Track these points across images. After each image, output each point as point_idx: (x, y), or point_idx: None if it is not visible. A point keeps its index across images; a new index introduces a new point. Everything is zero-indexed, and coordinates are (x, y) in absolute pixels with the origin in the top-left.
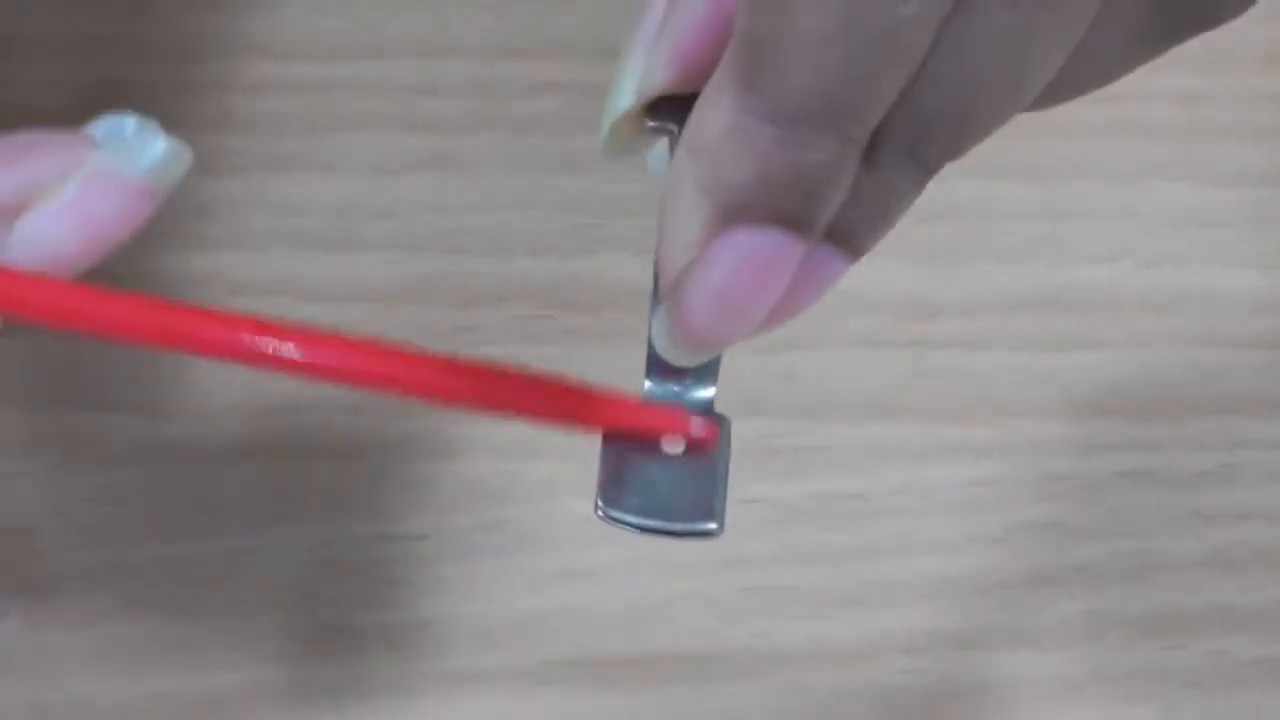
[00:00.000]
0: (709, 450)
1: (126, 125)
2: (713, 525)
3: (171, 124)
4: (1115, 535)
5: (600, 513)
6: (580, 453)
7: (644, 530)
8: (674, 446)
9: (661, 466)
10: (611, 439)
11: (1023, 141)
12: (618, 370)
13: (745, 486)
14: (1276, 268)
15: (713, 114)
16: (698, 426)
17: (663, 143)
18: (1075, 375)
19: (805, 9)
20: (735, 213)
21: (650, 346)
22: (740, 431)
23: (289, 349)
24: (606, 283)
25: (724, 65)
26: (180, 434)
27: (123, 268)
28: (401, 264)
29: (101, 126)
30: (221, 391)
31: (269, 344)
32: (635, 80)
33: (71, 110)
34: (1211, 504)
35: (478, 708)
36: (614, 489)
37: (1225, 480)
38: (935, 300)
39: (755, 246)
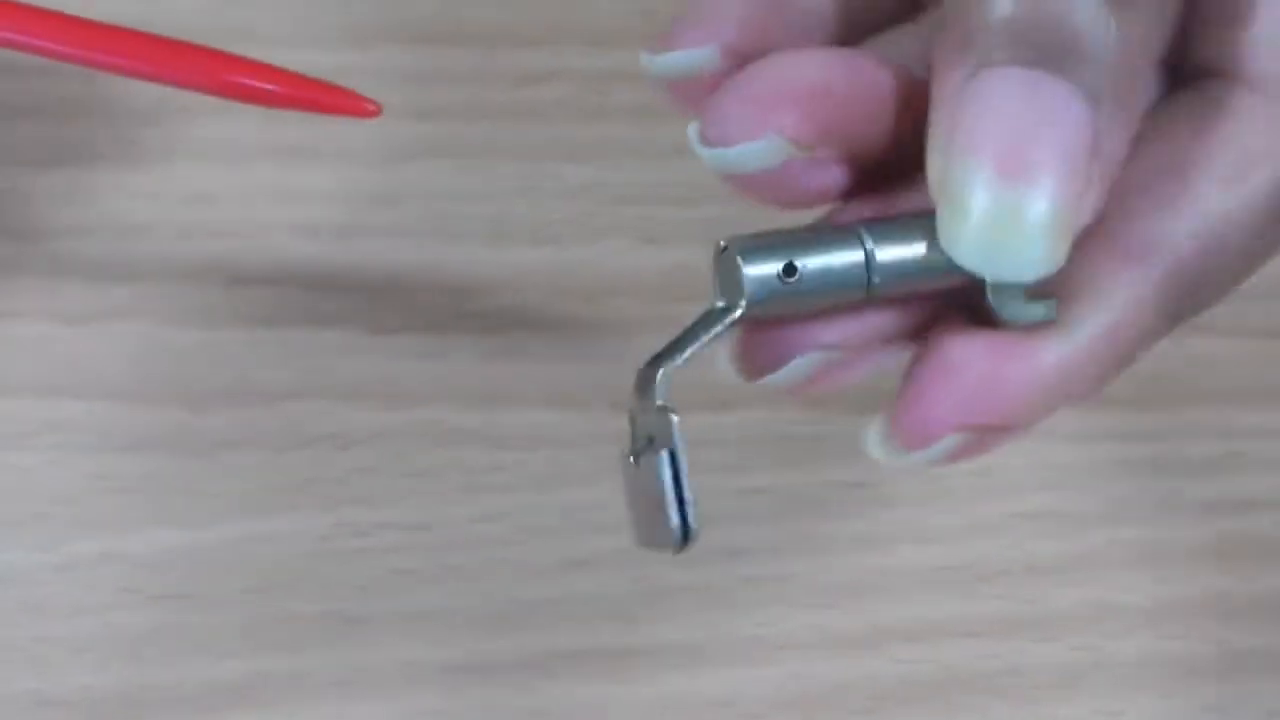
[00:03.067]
0: None
1: None
2: (671, 543)
3: (174, 112)
4: (1115, 524)
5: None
6: (582, 442)
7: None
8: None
9: (632, 482)
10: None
11: None
12: (620, 357)
13: (747, 476)
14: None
15: None
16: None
17: None
18: None
19: None
20: None
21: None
22: (742, 421)
23: None
24: (607, 271)
25: None
26: (180, 422)
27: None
28: (401, 251)
29: None
30: (221, 379)
31: None
32: None
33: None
34: (1212, 493)
35: (480, 698)
36: (631, 518)
37: (1226, 469)
38: None
39: None
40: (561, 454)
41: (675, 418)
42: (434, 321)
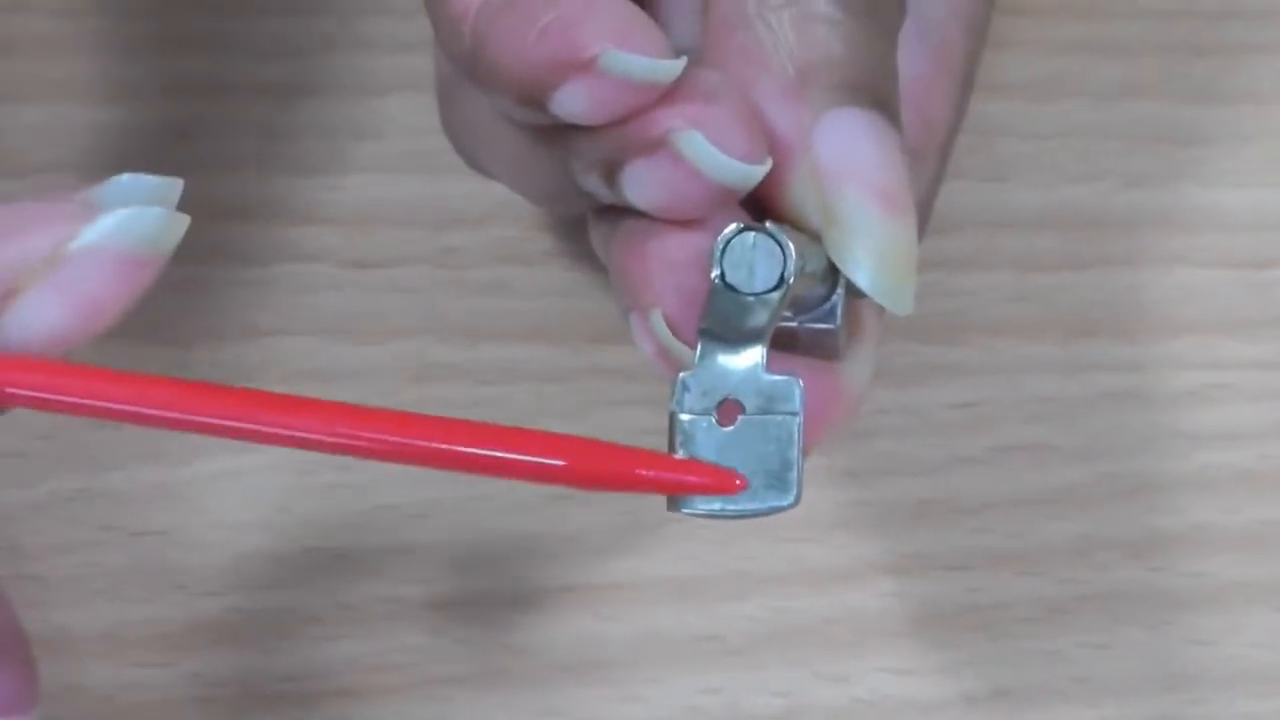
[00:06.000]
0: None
1: (117, 187)
2: (789, 500)
3: (155, 47)
4: (1100, 457)
5: (670, 506)
6: (564, 376)
7: (718, 518)
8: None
9: (728, 438)
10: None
11: (1003, 58)
12: (602, 291)
13: None
14: (1255, 185)
15: None
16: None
17: None
18: (1059, 295)
19: None
20: None
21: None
22: None
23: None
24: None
25: None
26: (163, 358)
27: None
28: (386, 185)
29: (104, 190)
30: (203, 315)
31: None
32: None
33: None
34: (1195, 425)
35: (465, 633)
36: None
37: (1209, 401)
38: None
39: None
40: (544, 388)
41: (801, 383)
42: (415, 256)
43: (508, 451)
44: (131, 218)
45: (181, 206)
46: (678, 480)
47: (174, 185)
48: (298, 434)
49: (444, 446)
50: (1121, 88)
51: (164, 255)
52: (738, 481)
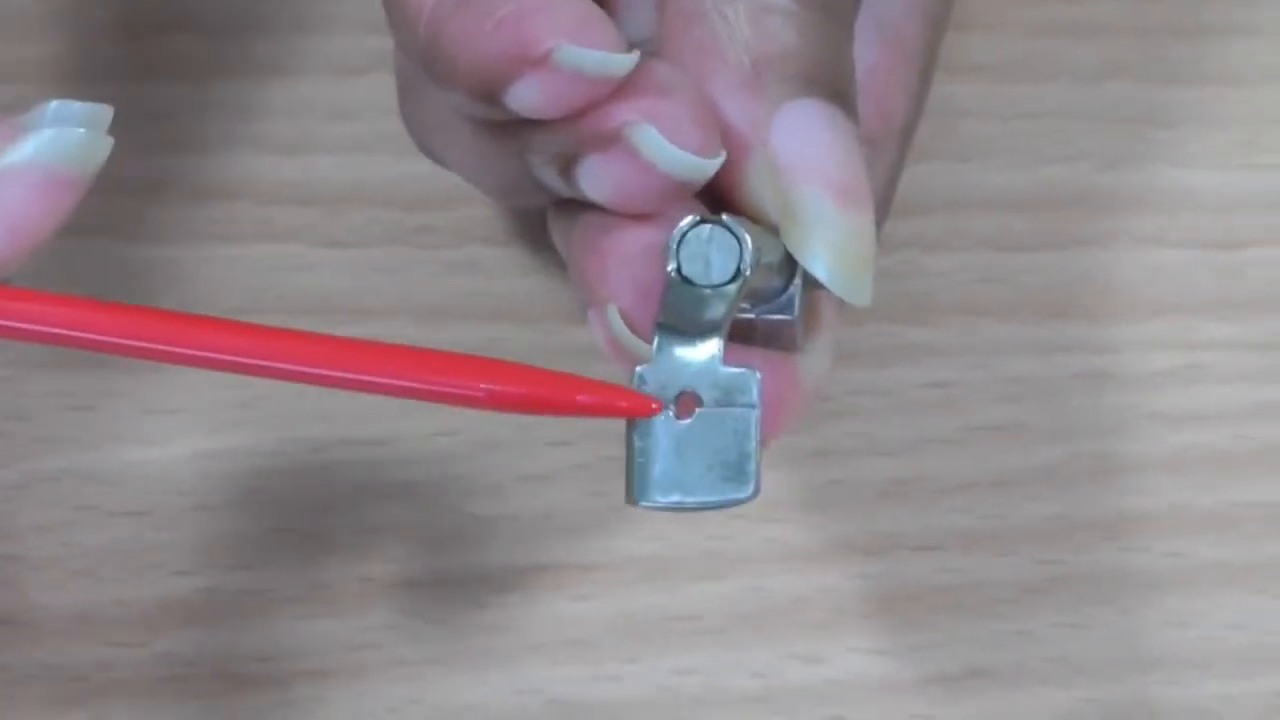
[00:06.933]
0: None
1: (45, 112)
2: (747, 492)
3: (130, 28)
4: (1075, 437)
5: (629, 499)
6: (534, 356)
7: (677, 510)
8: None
9: (686, 431)
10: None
11: (977, 39)
12: None
13: None
14: (1229, 168)
15: None
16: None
17: None
18: (1034, 276)
19: None
20: None
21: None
22: None
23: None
24: None
25: None
26: None
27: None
28: (359, 165)
29: (32, 115)
30: (177, 295)
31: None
32: None
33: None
34: (1171, 406)
35: (438, 613)
36: (641, 469)
37: (1184, 381)
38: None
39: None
40: None
41: (759, 375)
42: (388, 236)
43: (435, 377)
44: (54, 137)
45: (156, 187)
46: (607, 403)
47: (103, 111)
48: (225, 357)
49: (380, 379)
50: (1097, 69)
51: (87, 176)
52: (653, 405)
